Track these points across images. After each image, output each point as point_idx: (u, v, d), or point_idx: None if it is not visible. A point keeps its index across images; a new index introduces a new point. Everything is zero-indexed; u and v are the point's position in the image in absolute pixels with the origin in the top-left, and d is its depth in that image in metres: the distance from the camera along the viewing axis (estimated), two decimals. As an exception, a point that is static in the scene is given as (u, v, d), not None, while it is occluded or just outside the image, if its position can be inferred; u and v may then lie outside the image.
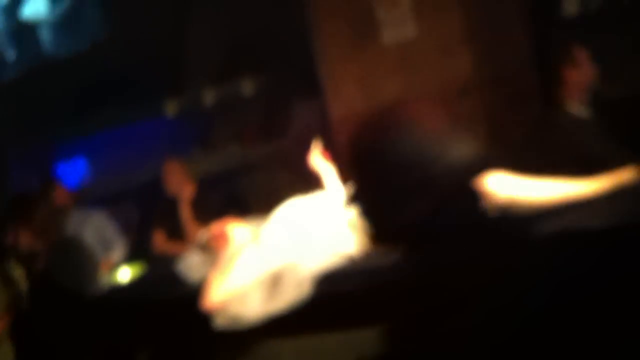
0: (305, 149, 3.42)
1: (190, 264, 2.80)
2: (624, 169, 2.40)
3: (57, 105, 4.35)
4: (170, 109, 4.39)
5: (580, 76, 2.94)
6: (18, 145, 4.44)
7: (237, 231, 2.76)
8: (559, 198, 2.34)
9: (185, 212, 3.65)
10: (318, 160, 3.00)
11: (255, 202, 4.14)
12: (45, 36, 4.72)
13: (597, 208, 2.38)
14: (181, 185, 3.70)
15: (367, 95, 4.12)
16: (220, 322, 2.45)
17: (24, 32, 4.71)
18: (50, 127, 4.38)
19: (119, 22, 4.55)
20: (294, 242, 2.55)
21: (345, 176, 3.18)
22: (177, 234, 3.65)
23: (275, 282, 2.50)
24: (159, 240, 3.64)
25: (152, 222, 3.70)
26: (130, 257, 3.57)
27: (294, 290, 2.44)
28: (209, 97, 4.38)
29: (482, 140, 3.96)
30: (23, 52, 4.65)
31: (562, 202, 2.35)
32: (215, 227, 2.82)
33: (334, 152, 3.50)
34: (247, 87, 4.40)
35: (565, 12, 3.68)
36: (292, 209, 2.67)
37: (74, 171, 4.52)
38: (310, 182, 3.24)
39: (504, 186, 2.36)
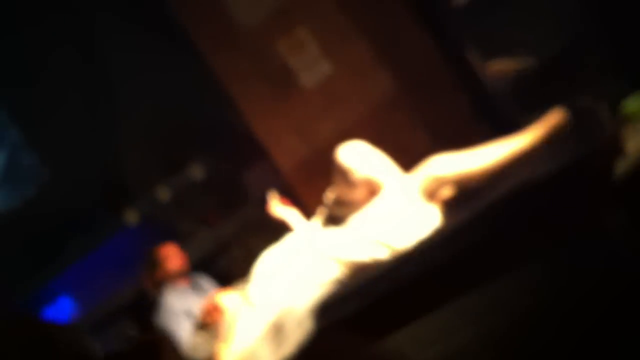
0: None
1: (195, 345, 2.85)
2: (549, 114, 2.54)
3: (20, 256, 4.41)
4: (131, 218, 4.47)
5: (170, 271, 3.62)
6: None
7: (226, 299, 2.83)
8: (502, 159, 2.47)
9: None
10: (278, 208, 3.11)
11: (238, 276, 4.21)
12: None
13: (539, 157, 2.52)
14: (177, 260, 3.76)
15: (307, 138, 4.27)
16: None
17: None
18: (18, 280, 4.41)
19: (58, 159, 4.65)
20: (282, 288, 2.63)
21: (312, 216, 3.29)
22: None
23: (277, 331, 2.57)
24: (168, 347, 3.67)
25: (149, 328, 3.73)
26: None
27: (298, 332, 2.51)
28: (164, 193, 4.47)
29: (424, 142, 4.12)
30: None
31: (507, 163, 2.48)
32: (206, 304, 2.89)
33: (296, 199, 3.61)
34: (196, 172, 4.51)
35: (454, 1, 3.89)
36: (269, 259, 2.76)
37: (62, 310, 4.53)
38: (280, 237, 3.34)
39: (448, 166, 2.49)
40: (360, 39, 4.21)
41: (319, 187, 4.18)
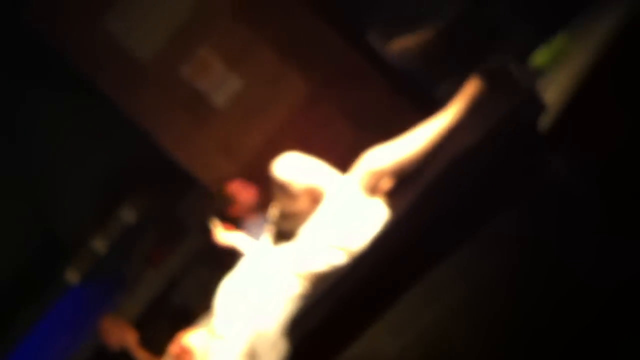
0: (209, 237, 3.47)
1: (172, 392, 2.78)
2: (466, 85, 2.58)
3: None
4: (73, 277, 4.34)
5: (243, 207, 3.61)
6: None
7: (193, 339, 2.77)
8: (433, 138, 2.49)
9: (140, 354, 3.63)
10: (223, 234, 3.06)
11: (197, 306, 4.14)
12: None
13: (466, 129, 2.55)
14: (123, 334, 3.69)
15: (233, 155, 4.23)
16: None
17: None
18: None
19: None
20: (246, 314, 2.59)
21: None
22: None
23: (252, 358, 2.53)
24: None
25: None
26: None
27: (273, 354, 2.48)
28: (100, 244, 4.36)
29: (349, 132, 4.14)
30: None
31: (438, 141, 2.50)
32: (173, 348, 2.82)
33: (236, 221, 3.57)
34: (128, 215, 4.41)
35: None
36: (228, 288, 2.71)
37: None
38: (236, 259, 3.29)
39: (382, 157, 2.49)
40: (264, 46, 4.21)
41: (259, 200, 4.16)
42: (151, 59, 4.27)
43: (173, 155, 4.32)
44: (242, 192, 3.56)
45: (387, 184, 2.57)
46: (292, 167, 2.60)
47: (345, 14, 4.12)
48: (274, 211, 2.80)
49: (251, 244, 3.00)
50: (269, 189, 4.05)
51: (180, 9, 4.18)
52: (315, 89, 4.24)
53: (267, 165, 4.30)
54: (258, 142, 4.18)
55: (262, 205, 3.58)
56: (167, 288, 4.34)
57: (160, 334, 3.82)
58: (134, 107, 4.27)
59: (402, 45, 4.00)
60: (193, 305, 4.21)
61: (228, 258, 3.76)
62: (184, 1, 4.13)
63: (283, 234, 2.77)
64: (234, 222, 3.37)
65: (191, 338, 2.78)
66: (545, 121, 2.37)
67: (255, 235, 3.28)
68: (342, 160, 2.81)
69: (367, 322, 2.52)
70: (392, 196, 2.57)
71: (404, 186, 2.58)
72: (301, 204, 2.62)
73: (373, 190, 2.51)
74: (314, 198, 2.60)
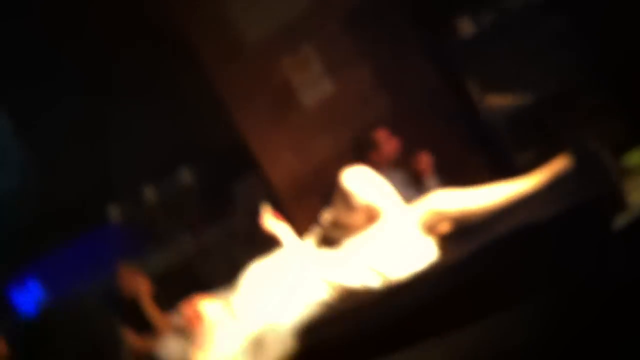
0: (255, 221, 3.49)
1: (170, 350, 2.80)
2: (555, 159, 2.55)
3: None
4: (115, 214, 4.41)
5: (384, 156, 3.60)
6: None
7: (208, 306, 2.79)
8: (504, 200, 2.47)
9: (149, 306, 3.64)
10: (271, 221, 3.08)
11: (217, 285, 4.16)
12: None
13: (541, 202, 2.52)
14: (137, 282, 3.71)
15: (301, 156, 4.26)
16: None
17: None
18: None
19: (48, 150, 4.60)
20: (267, 303, 2.60)
21: (303, 231, 3.25)
22: (146, 330, 3.64)
23: (257, 345, 2.53)
24: (130, 339, 3.61)
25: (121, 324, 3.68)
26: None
27: (278, 349, 2.48)
28: (151, 194, 4.42)
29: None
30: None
31: (507, 203, 2.48)
32: (186, 308, 2.84)
33: (285, 215, 3.58)
34: (187, 177, 4.47)
35: (461, 33, 3.91)
36: (258, 271, 2.72)
37: (29, 296, 4.44)
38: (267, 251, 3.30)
39: (450, 201, 2.48)
40: (363, 62, 4.23)
41: (308, 205, 4.18)
42: (256, 42, 4.33)
43: (245, 137, 4.36)
44: (387, 142, 3.59)
45: (445, 227, 2.55)
46: (361, 181, 2.61)
47: (450, 57, 4.12)
48: (327, 216, 2.82)
49: (293, 239, 3.00)
50: (326, 197, 4.11)
51: (297, 2, 4.24)
52: (398, 118, 4.23)
53: (329, 178, 4.32)
54: (329, 150, 4.20)
55: (398, 163, 3.64)
56: (197, 255, 4.37)
57: (176, 297, 3.85)
58: (225, 83, 4.33)
59: (496, 101, 3.99)
60: (212, 284, 4.23)
61: (264, 245, 3.79)
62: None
63: (327, 240, 2.78)
64: (373, 166, 3.32)
65: (206, 305, 2.80)
66: (621, 222, 2.33)
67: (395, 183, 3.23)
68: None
69: (378, 355, 2.51)
70: (446, 241, 2.56)
71: (461, 236, 2.56)
72: (356, 218, 2.63)
73: (430, 229, 2.50)
74: (371, 217, 2.60)
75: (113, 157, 4.48)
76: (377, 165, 3.26)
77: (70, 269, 4.36)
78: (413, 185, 3.60)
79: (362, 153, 3.61)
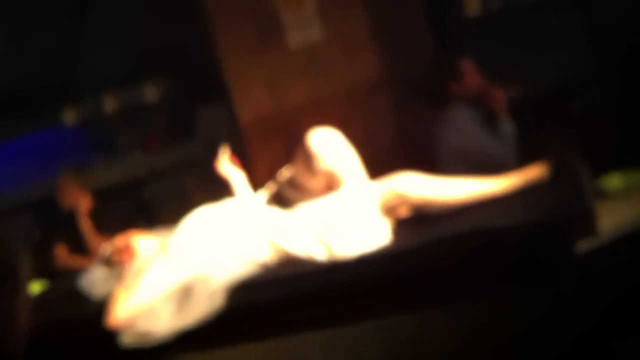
0: (213, 155, 3.33)
1: (94, 279, 2.65)
2: (533, 166, 2.42)
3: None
4: (69, 117, 4.18)
5: (465, 88, 3.08)
6: None
7: (142, 243, 2.64)
8: (471, 196, 2.34)
9: (85, 225, 3.49)
10: (227, 166, 2.91)
11: (162, 211, 4.01)
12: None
13: (507, 205, 2.40)
14: (77, 197, 3.54)
15: (275, 98, 4.05)
16: (127, 339, 2.33)
17: None
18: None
19: (10, 31, 4.31)
20: (204, 252, 2.45)
21: (256, 181, 3.09)
22: (79, 248, 3.48)
23: (185, 294, 2.39)
24: (61, 254, 3.46)
25: (52, 236, 3.52)
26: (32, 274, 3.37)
27: (206, 303, 2.34)
28: (110, 104, 4.19)
29: (391, 137, 3.98)
30: None
31: (473, 200, 2.35)
32: (119, 240, 2.68)
33: (244, 157, 3.41)
34: (151, 93, 4.24)
35: (469, 11, 3.73)
36: (201, 217, 2.56)
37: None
38: (221, 188, 3.15)
39: (416, 186, 2.33)
40: (360, 13, 4.01)
41: (270, 150, 4.01)
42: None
43: (220, 61, 4.13)
44: (471, 74, 3.20)
45: (403, 211, 2.41)
46: (328, 144, 2.44)
47: (452, 33, 3.94)
48: (285, 174, 2.65)
49: (246, 190, 2.84)
50: (291, 147, 3.93)
51: None
52: (384, 81, 4.05)
53: (299, 127, 4.13)
54: (304, 97, 4.00)
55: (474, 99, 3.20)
56: (145, 178, 4.19)
57: (112, 216, 3.69)
58: (211, 1, 4.07)
59: None
60: (157, 210, 4.08)
61: (218, 183, 3.64)
62: None
63: (280, 200, 2.62)
64: (450, 98, 3.04)
65: (140, 241, 2.64)
66: (585, 245, 2.22)
67: (467, 122, 3.01)
68: (366, 161, 2.66)
69: (305, 327, 2.40)
70: (401, 226, 2.42)
71: (417, 223, 2.42)
72: (315, 183, 2.48)
73: (388, 210, 2.36)
74: (330, 184, 2.45)
75: (80, 51, 4.21)
76: (454, 98, 2.99)
77: (14, 165, 4.16)
78: (488, 127, 3.16)
79: (441, 80, 3.18)
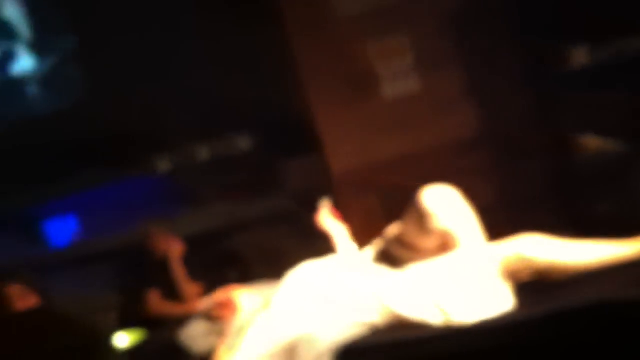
0: (304, 205, 3.26)
1: (194, 334, 2.57)
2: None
3: (44, 163, 4.16)
4: (162, 165, 4.20)
5: None
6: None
7: (244, 298, 2.55)
8: (602, 261, 2.18)
9: (178, 271, 3.48)
10: (327, 219, 2.82)
11: (251, 260, 3.97)
12: (30, 92, 4.57)
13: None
14: (169, 244, 3.56)
15: (367, 150, 3.99)
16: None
17: (10, 87, 4.55)
18: (36, 185, 4.18)
19: (105, 78, 4.40)
20: (310, 311, 2.35)
21: (350, 229, 2.99)
22: (172, 295, 3.46)
23: (289, 354, 2.29)
24: (154, 301, 3.43)
25: (144, 283, 3.50)
26: (124, 322, 3.35)
27: (311, 364, 2.23)
28: (202, 153, 4.20)
29: (486, 199, 3.85)
30: (8, 108, 4.48)
31: (604, 265, 2.20)
32: (219, 295, 2.61)
33: (341, 213, 3.33)
34: (242, 144, 4.23)
35: (574, 64, 3.61)
36: (306, 274, 2.46)
37: (63, 230, 4.28)
38: (315, 240, 3.07)
39: (542, 249, 2.19)
40: (455, 68, 3.94)
41: (361, 204, 3.93)
42: (348, 18, 4.04)
43: (313, 115, 4.10)
44: None
45: (526, 276, 2.26)
46: (444, 203, 2.33)
47: (551, 89, 3.84)
48: (393, 230, 2.54)
49: (351, 245, 2.74)
50: (386, 200, 3.82)
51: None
52: (480, 139, 3.96)
53: (385, 180, 4.02)
54: (399, 153, 3.92)
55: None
56: (232, 228, 4.15)
57: (201, 265, 3.66)
58: (305, 52, 4.05)
59: (589, 145, 3.72)
60: (246, 259, 4.03)
61: (303, 236, 3.55)
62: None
63: (388, 258, 2.51)
64: None
65: (243, 296, 2.56)
66: None
67: None
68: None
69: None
70: (523, 293, 2.27)
71: (540, 290, 2.27)
72: (428, 242, 2.36)
73: (509, 274, 2.22)
74: (445, 244, 2.33)
75: (173, 103, 4.25)
76: None
77: (107, 211, 4.18)
78: None
79: None
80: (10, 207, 4.15)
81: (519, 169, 3.87)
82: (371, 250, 2.61)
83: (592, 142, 3.72)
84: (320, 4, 3.98)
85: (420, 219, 2.34)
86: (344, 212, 3.86)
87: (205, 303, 2.64)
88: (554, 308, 2.13)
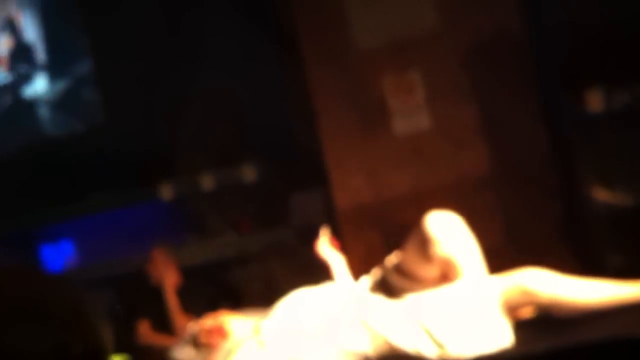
0: (308, 240, 3.18)
1: (181, 357, 2.47)
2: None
3: (47, 185, 4.12)
4: (165, 192, 4.13)
5: None
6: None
7: (234, 324, 2.45)
8: (607, 301, 2.07)
9: (171, 301, 3.38)
10: (326, 248, 2.73)
11: (250, 293, 3.87)
12: (43, 115, 4.58)
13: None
14: (166, 272, 3.46)
15: (376, 186, 3.91)
16: None
17: (23, 109, 4.56)
18: (39, 208, 4.14)
19: (116, 105, 4.39)
20: (300, 339, 2.24)
21: (353, 267, 2.91)
22: (163, 325, 3.35)
23: (277, 384, 2.18)
24: (145, 330, 3.33)
25: (136, 312, 3.40)
26: (115, 348, 3.24)
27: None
28: (207, 182, 4.14)
29: (497, 239, 3.75)
30: (21, 130, 4.50)
31: (609, 306, 2.08)
32: (208, 321, 2.51)
33: (340, 243, 3.25)
34: (248, 174, 4.17)
35: (590, 108, 3.54)
36: (298, 301, 2.37)
37: (59, 254, 4.22)
38: (314, 274, 2.98)
39: (545, 283, 2.09)
40: (469, 106, 3.88)
41: (365, 239, 3.83)
42: (363, 51, 4.00)
43: (322, 147, 4.04)
44: None
45: (528, 312, 2.15)
46: (449, 229, 2.23)
47: (567, 132, 3.77)
48: (393, 259, 2.44)
49: (347, 274, 2.65)
50: (390, 238, 3.73)
51: (421, 23, 3.90)
52: (491, 178, 3.87)
53: (398, 217, 3.92)
54: (406, 188, 3.83)
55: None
56: (235, 259, 4.07)
57: (196, 296, 3.57)
58: (318, 83, 4.01)
59: (604, 197, 3.62)
60: (244, 292, 3.93)
61: (307, 268, 3.46)
62: (428, 19, 3.86)
63: (386, 287, 2.41)
64: None
65: (233, 322, 2.46)
66: None
67: None
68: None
69: None
70: (523, 328, 2.16)
71: (543, 327, 2.16)
72: (428, 271, 2.26)
73: (510, 309, 2.11)
74: (445, 274, 2.23)
75: (179, 131, 4.22)
76: None
77: (107, 237, 4.12)
78: None
79: None
80: (9, 228, 4.10)
81: (531, 210, 3.77)
82: (369, 279, 2.51)
83: (608, 190, 3.64)
84: (336, 36, 3.96)
85: (423, 245, 2.25)
86: (346, 248, 3.78)
87: (193, 328, 2.54)
88: (553, 346, 2.02)
